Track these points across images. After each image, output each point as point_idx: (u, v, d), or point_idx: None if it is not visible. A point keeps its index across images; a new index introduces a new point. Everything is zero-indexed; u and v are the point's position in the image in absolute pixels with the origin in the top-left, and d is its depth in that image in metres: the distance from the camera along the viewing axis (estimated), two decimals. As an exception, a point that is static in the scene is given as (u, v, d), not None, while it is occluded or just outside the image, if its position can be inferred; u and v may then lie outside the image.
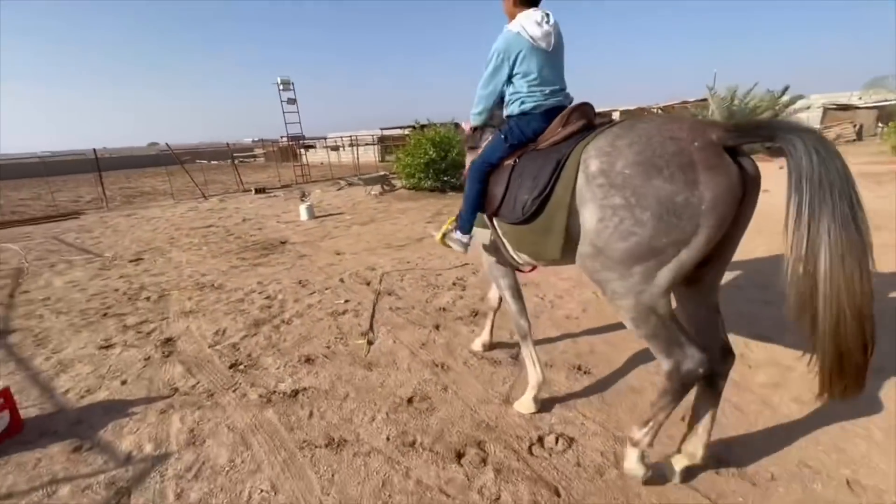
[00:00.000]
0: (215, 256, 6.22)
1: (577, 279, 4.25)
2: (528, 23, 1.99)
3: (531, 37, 1.98)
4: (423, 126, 12.35)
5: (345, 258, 5.72)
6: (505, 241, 2.17)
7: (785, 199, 1.37)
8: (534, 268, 2.44)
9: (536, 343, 2.61)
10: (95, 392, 2.85)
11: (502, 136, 2.14)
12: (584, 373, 2.76)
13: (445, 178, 10.73)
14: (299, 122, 15.81)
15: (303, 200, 12.09)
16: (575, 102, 2.08)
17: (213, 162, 33.68)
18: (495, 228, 2.20)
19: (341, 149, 26.56)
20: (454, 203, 9.33)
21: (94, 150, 12.10)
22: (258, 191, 13.67)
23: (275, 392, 2.72)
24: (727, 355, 1.79)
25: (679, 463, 1.88)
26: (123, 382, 2.95)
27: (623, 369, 2.77)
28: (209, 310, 4.18)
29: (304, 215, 8.74)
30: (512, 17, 2.10)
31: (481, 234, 2.33)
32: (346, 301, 4.20)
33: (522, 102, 2.09)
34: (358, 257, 5.72)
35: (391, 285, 4.59)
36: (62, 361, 3.29)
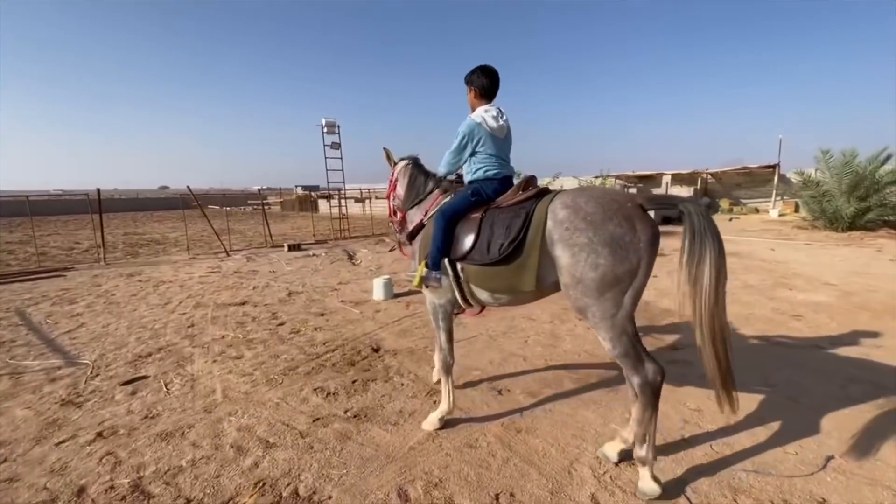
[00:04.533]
0: (271, 382, 3.52)
1: None
2: (487, 117, 2.60)
3: (490, 128, 2.59)
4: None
5: (532, 421, 3.03)
6: (468, 281, 2.52)
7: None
8: (481, 310, 2.86)
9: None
10: None
11: (469, 193, 2.61)
12: None
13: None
14: (342, 170, 13.64)
15: (353, 263, 9.63)
16: (529, 174, 2.67)
17: (226, 208, 31.67)
18: (456, 272, 2.54)
19: (368, 201, 24.61)
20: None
21: (98, 189, 9.67)
22: (292, 247, 11.18)
23: None
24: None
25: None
26: None
27: None
28: None
29: (379, 293, 6.12)
30: (473, 107, 2.72)
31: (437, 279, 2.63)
32: None
33: (486, 171, 2.64)
34: (556, 422, 3.02)
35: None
36: None
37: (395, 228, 3.37)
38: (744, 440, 2.62)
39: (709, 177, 25.17)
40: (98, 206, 9.82)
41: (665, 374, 2.11)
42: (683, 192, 23.89)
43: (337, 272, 8.22)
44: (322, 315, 5.38)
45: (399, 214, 3.24)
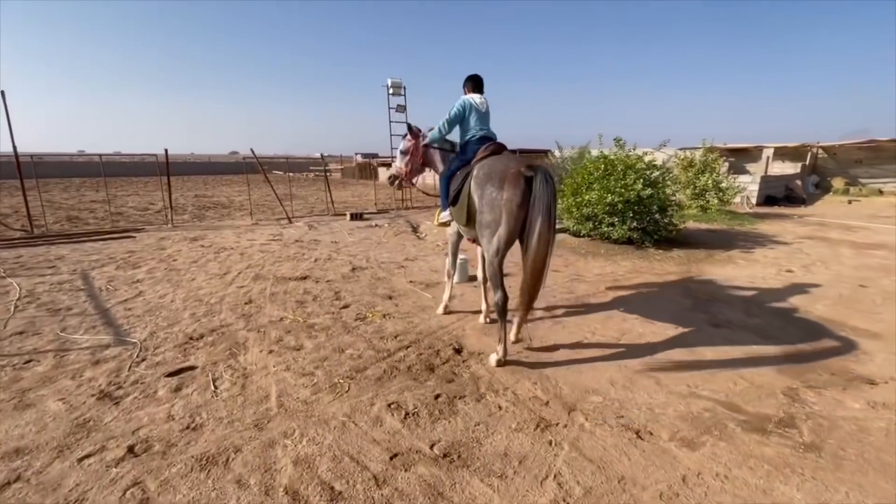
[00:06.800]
0: (336, 388, 2.83)
1: None
2: (474, 97, 3.59)
3: (475, 104, 3.56)
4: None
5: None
6: (453, 216, 3.61)
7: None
8: (473, 239, 3.61)
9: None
10: None
11: (456, 158, 3.63)
12: None
13: (646, 227, 6.99)
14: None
15: (418, 236, 8.92)
16: (496, 141, 3.52)
17: (289, 174, 32.32)
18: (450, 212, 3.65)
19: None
20: (678, 267, 5.56)
21: (166, 150, 9.55)
22: (354, 216, 10.67)
23: None
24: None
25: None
26: None
27: None
28: None
29: (455, 276, 5.31)
30: (466, 94, 3.67)
31: (448, 216, 3.77)
32: None
33: (470, 134, 3.58)
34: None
35: None
36: None
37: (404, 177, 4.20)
38: None
39: (819, 151, 21.67)
40: (166, 168, 9.74)
41: (507, 300, 3.06)
42: (788, 168, 20.79)
43: (402, 246, 7.53)
44: (390, 298, 4.68)
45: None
